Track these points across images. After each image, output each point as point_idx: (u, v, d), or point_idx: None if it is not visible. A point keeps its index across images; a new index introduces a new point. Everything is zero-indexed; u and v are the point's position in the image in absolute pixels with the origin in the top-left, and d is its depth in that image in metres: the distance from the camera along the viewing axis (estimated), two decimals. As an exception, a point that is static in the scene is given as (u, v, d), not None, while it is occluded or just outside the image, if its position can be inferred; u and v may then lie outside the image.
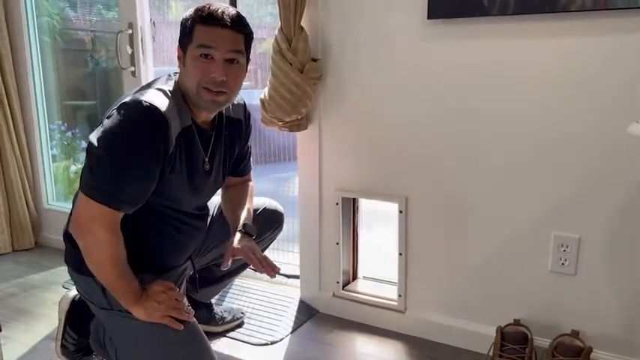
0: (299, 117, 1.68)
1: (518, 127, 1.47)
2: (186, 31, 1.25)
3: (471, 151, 1.55)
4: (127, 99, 1.23)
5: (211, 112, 1.34)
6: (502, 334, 1.45)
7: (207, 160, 1.37)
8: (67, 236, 1.42)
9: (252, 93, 2.37)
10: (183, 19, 1.27)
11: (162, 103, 1.21)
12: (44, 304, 1.99)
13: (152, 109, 1.19)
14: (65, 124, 2.87)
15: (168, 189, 1.31)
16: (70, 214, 1.40)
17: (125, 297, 1.26)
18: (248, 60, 1.31)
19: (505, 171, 1.51)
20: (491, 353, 1.46)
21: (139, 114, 1.19)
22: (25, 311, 1.94)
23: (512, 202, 1.51)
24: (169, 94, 1.26)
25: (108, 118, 1.22)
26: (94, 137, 1.22)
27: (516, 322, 1.51)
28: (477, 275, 1.60)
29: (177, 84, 1.30)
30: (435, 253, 1.66)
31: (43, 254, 2.55)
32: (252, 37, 1.31)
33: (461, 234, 1.61)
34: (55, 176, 2.77)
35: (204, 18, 1.23)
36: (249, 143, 1.57)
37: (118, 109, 1.21)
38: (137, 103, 1.20)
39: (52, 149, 2.76)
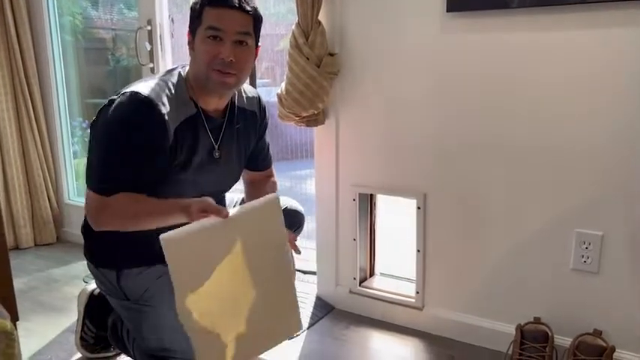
0: (316, 112, 1.67)
1: (540, 124, 1.44)
2: (195, 14, 1.27)
3: (492, 148, 1.52)
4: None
5: (222, 96, 1.34)
6: (522, 332, 1.43)
7: (217, 147, 1.37)
8: (85, 230, 1.43)
9: (271, 90, 2.37)
10: (192, 3, 1.29)
11: (146, 88, 1.24)
12: (65, 297, 2.02)
13: (134, 94, 1.22)
14: (86, 121, 2.91)
15: (177, 177, 1.31)
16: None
17: (172, 214, 1.22)
18: (257, 43, 1.32)
19: (527, 167, 1.48)
20: (510, 351, 1.43)
21: (124, 101, 1.23)
22: (47, 304, 1.97)
23: (534, 199, 1.48)
24: (168, 84, 1.29)
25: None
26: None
27: (537, 321, 1.48)
28: (497, 272, 1.58)
29: (181, 76, 1.32)
30: (453, 250, 1.64)
31: (64, 249, 2.59)
32: (261, 20, 1.32)
33: (480, 231, 1.58)
34: (76, 172, 2.81)
35: (212, 0, 1.24)
36: (266, 137, 1.57)
37: (108, 105, 1.27)
38: (122, 94, 1.25)
39: (73, 146, 2.81)
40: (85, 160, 1.41)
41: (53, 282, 2.18)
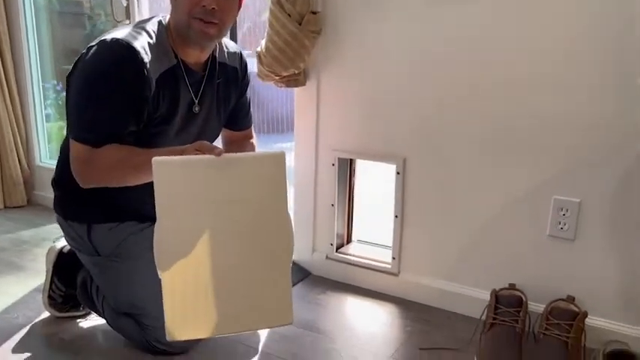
0: (296, 71, 1.63)
1: (520, 89, 1.42)
2: None
3: (472, 113, 1.50)
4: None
5: (203, 48, 1.30)
6: (497, 296, 1.43)
7: (196, 102, 1.33)
8: (55, 183, 1.39)
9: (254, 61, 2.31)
10: None
11: (126, 35, 1.19)
12: (35, 258, 1.96)
13: (115, 41, 1.17)
14: (60, 84, 2.82)
15: (157, 130, 1.27)
16: (59, 161, 1.37)
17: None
18: None
19: (505, 134, 1.46)
20: (484, 316, 1.43)
21: (103, 48, 1.19)
22: (16, 265, 1.91)
23: (512, 165, 1.47)
24: (149, 32, 1.24)
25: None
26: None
27: (511, 287, 1.49)
28: (473, 239, 1.57)
29: (161, 25, 1.28)
30: (431, 216, 1.63)
31: (34, 212, 2.52)
32: None
33: (458, 197, 1.57)
34: (50, 135, 2.73)
35: None
36: (247, 95, 1.53)
37: (85, 53, 1.22)
38: (100, 41, 1.20)
39: (46, 109, 2.72)
40: (58, 124, 1.38)
41: (23, 243, 2.12)
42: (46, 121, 2.71)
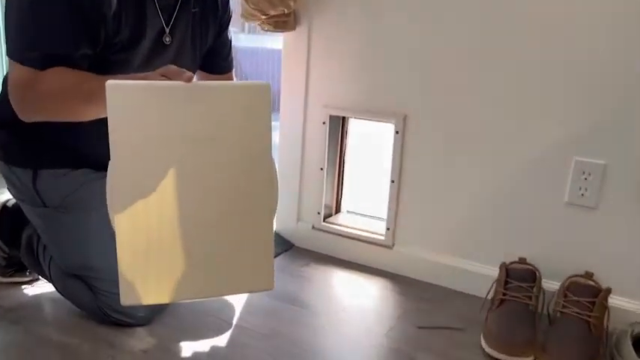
0: (286, 11, 1.43)
1: (539, 41, 1.24)
2: None
3: (484, 61, 1.32)
4: None
5: None
6: (507, 270, 1.26)
7: (167, 31, 1.13)
8: (-4, 119, 1.17)
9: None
10: None
11: None
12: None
13: None
14: None
15: (117, 58, 1.07)
16: (1, 92, 1.16)
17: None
18: None
19: (521, 86, 1.29)
20: (491, 293, 1.26)
21: None
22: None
23: (529, 122, 1.30)
24: None
25: None
26: None
27: (522, 261, 1.32)
28: (479, 208, 1.40)
29: None
30: (432, 182, 1.45)
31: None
32: None
33: (464, 160, 1.39)
34: None
35: None
36: (229, 34, 1.33)
37: None
38: None
39: None
40: None
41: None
42: None
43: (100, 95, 0.85)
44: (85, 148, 1.13)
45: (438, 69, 1.38)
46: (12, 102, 1.01)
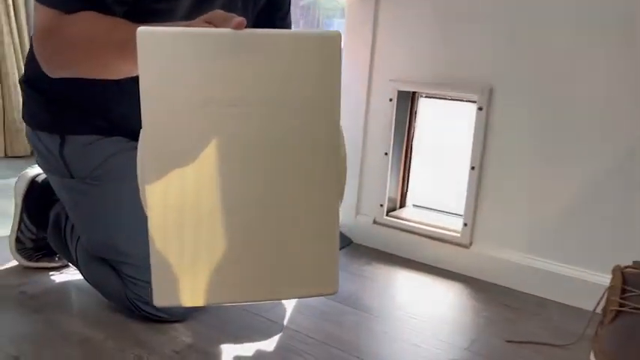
0: (352, -33, 1.24)
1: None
2: None
3: (591, 22, 1.08)
4: None
5: None
6: (624, 275, 1.00)
7: None
8: (24, 83, 1.05)
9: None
10: None
11: None
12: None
13: None
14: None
15: (157, 7, 0.91)
16: (28, 55, 1.04)
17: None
18: None
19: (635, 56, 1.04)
20: (602, 302, 1.01)
21: None
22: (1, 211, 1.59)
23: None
24: None
25: None
26: None
27: (638, 266, 1.06)
28: (580, 201, 1.15)
29: None
30: (521, 169, 1.22)
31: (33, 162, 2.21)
32: None
33: (563, 142, 1.15)
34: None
35: None
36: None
37: None
38: None
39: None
40: None
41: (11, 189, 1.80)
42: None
43: (134, 47, 0.68)
44: (117, 112, 0.98)
45: (529, 33, 1.15)
46: (36, 52, 0.87)
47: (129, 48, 0.74)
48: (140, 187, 0.68)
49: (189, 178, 0.68)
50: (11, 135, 2.26)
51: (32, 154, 2.31)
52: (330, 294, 0.77)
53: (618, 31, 1.06)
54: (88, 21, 0.83)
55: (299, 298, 0.91)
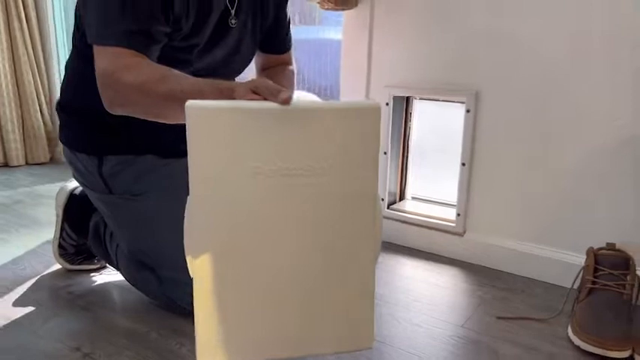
0: (348, -14, 1.36)
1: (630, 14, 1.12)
2: None
3: (567, 33, 1.21)
4: None
5: None
6: (596, 257, 1.15)
7: (233, 13, 1.09)
8: (61, 107, 1.18)
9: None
10: None
11: None
12: (52, 213, 1.77)
13: None
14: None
15: (184, 45, 1.04)
16: (64, 80, 1.16)
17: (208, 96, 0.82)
18: None
19: (612, 59, 1.17)
20: (578, 281, 1.16)
21: None
22: (30, 217, 1.73)
23: (619, 99, 1.18)
24: None
25: None
26: None
27: (610, 247, 1.20)
28: (560, 191, 1.29)
29: None
30: (506, 164, 1.35)
31: (57, 168, 2.35)
32: None
33: (544, 139, 1.29)
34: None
35: None
36: (287, 12, 1.28)
37: None
38: None
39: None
40: None
41: (40, 197, 1.94)
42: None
43: (187, 95, 0.75)
44: (151, 133, 1.10)
45: (513, 41, 1.28)
46: (103, 91, 0.94)
47: (184, 94, 0.81)
48: (186, 252, 0.72)
49: (234, 243, 0.73)
50: (31, 142, 2.39)
51: (51, 160, 2.45)
52: (368, 348, 0.84)
53: (597, 38, 1.19)
54: (152, 64, 0.92)
55: (338, 352, 0.91)
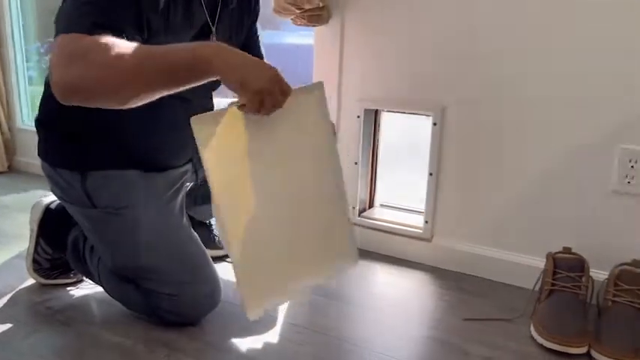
0: (321, 4, 1.42)
1: (585, 28, 1.23)
2: None
3: (524, 52, 1.31)
4: None
5: None
6: (554, 260, 1.25)
7: (214, 29, 1.12)
8: (40, 123, 1.17)
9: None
10: None
11: None
12: (17, 224, 1.74)
13: None
14: (44, 45, 2.62)
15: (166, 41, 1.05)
16: (43, 96, 1.16)
17: (191, 55, 0.88)
18: None
19: (563, 76, 1.27)
20: (539, 284, 1.25)
21: None
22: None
23: (572, 111, 1.29)
24: None
25: None
26: None
27: (567, 250, 1.31)
28: (520, 197, 1.39)
29: None
30: (472, 173, 1.44)
31: (18, 178, 2.28)
32: None
33: (506, 149, 1.38)
34: (32, 99, 2.50)
35: None
36: (258, 25, 1.33)
37: None
38: None
39: (28, 70, 2.50)
40: (41, 88, 1.14)
41: (4, 208, 1.90)
42: (29, 84, 2.49)
43: (181, 65, 0.86)
44: (133, 146, 1.12)
45: (476, 58, 1.37)
46: (54, 80, 0.84)
47: (178, 66, 0.87)
48: (219, 230, 0.97)
49: (253, 213, 0.97)
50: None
51: (9, 169, 2.38)
52: (354, 264, 1.13)
53: (551, 56, 1.29)
54: (110, 43, 0.85)
55: (334, 274, 1.15)
